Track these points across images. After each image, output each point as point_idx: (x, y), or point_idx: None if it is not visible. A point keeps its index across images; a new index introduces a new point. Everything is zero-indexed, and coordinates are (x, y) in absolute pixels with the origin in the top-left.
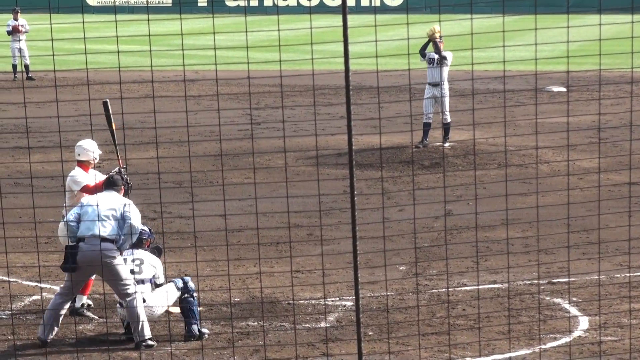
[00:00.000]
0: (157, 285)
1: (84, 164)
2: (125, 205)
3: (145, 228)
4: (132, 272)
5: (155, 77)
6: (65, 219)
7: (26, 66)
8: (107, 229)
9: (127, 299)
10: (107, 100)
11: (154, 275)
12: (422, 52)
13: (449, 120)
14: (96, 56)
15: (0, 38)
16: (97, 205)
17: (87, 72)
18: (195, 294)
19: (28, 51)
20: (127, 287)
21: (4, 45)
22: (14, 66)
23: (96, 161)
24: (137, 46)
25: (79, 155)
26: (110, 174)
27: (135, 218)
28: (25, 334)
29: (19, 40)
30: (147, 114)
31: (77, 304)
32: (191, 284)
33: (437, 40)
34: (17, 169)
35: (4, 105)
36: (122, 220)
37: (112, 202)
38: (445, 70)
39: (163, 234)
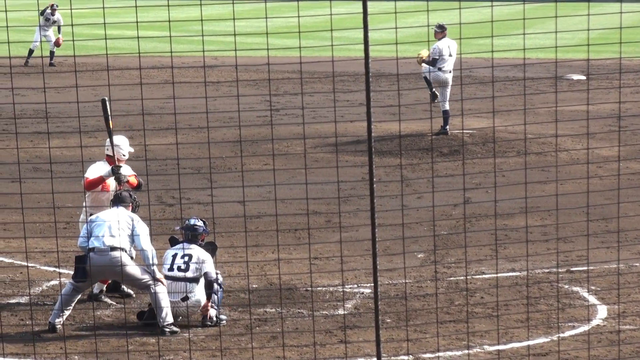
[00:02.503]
0: (207, 279)
1: (112, 160)
2: (133, 220)
3: (200, 222)
4: (179, 269)
5: (175, 63)
6: (79, 242)
7: (52, 52)
8: (116, 238)
9: (149, 289)
10: (105, 98)
11: (202, 274)
12: (437, 66)
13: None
14: (116, 42)
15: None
16: (106, 220)
17: (107, 57)
18: (222, 285)
19: (54, 37)
20: (144, 279)
21: (29, 30)
22: (31, 51)
23: (125, 158)
24: (157, 32)
25: (107, 149)
26: (119, 191)
27: (144, 235)
28: (43, 319)
29: (48, 28)
30: (166, 99)
31: (96, 290)
32: (220, 278)
33: (425, 61)
34: (36, 154)
35: (24, 90)
36: (131, 234)
37: (120, 217)
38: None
39: (182, 219)
